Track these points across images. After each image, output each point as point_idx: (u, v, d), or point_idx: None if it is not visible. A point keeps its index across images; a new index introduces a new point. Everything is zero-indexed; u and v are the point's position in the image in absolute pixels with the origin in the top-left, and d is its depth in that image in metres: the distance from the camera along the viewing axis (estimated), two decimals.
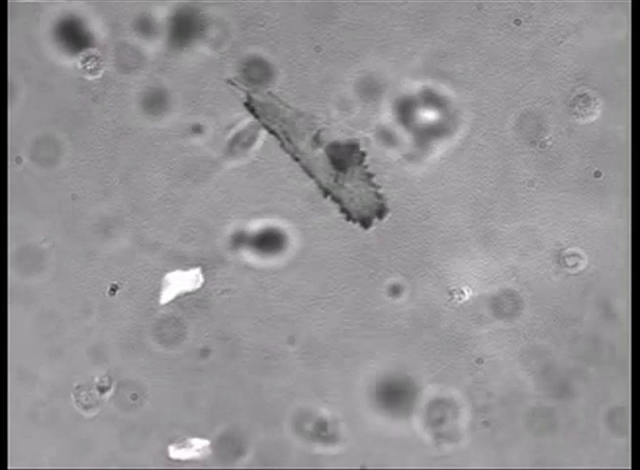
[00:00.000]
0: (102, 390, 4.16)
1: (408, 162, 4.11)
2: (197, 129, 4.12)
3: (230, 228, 4.14)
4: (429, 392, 4.12)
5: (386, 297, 4.14)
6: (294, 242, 4.13)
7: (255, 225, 4.14)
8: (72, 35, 4.13)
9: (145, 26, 4.10)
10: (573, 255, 4.09)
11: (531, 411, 4.14)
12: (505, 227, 4.12)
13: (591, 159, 4.09)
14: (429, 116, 4.07)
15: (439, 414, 4.14)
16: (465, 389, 4.15)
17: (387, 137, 4.08)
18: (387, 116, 4.08)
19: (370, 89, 4.07)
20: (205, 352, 4.18)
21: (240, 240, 4.13)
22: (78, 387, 4.17)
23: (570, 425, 4.13)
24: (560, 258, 4.09)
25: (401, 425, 4.17)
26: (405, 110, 4.08)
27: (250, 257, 4.14)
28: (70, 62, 4.13)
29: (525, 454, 4.16)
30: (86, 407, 4.17)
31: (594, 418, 4.12)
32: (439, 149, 4.08)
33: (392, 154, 4.09)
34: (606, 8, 4.05)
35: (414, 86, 4.07)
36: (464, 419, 4.13)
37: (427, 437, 4.16)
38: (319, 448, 4.18)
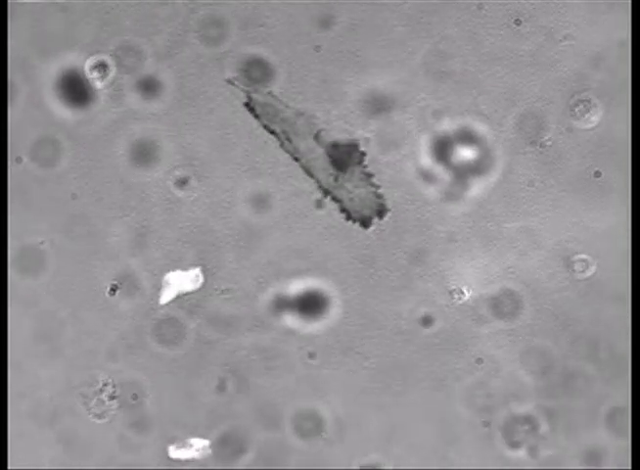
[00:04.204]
0: (111, 397, 4.16)
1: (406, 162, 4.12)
2: (196, 128, 4.13)
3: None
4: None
5: (419, 326, 4.16)
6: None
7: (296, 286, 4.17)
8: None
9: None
10: (582, 260, 4.08)
11: (531, 411, 4.14)
12: (505, 227, 4.12)
13: (591, 159, 4.09)
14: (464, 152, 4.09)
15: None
16: (465, 389, 4.15)
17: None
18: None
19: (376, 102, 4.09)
20: (204, 353, 4.17)
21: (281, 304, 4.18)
22: (87, 396, 4.16)
23: (570, 425, 4.13)
24: (568, 264, 4.08)
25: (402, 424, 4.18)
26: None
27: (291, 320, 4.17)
28: (74, 63, 4.13)
29: (524, 454, 4.16)
30: (99, 416, 4.16)
31: (594, 418, 4.12)
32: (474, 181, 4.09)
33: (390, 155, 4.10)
34: (606, 8, 4.05)
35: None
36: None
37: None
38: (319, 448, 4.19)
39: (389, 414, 4.18)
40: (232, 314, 4.16)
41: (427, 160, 4.07)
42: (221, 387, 4.15)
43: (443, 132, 4.06)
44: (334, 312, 4.15)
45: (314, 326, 4.16)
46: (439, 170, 4.06)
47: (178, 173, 4.10)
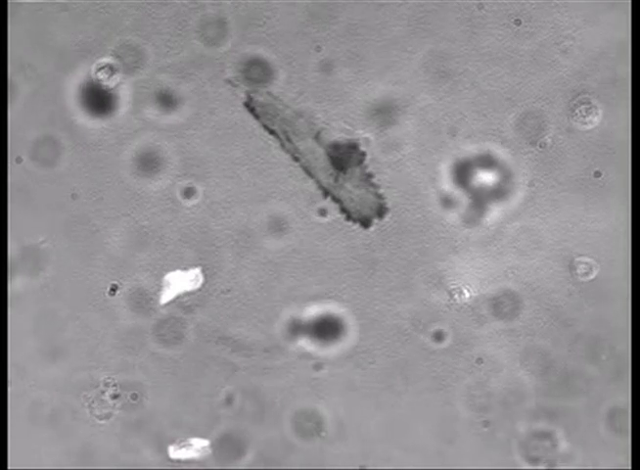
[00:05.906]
0: (114, 396, 4.16)
1: (407, 162, 4.12)
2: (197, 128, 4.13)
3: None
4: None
5: (430, 342, 4.16)
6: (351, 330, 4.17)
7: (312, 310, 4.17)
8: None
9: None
10: (585, 263, 4.08)
11: (531, 411, 4.14)
12: (505, 227, 4.12)
13: (591, 159, 4.09)
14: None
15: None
16: (465, 389, 4.15)
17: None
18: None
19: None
20: (204, 353, 4.18)
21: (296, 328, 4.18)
22: (89, 398, 4.16)
23: (570, 425, 4.13)
24: (570, 265, 4.08)
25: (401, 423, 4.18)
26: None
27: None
28: (74, 63, 4.14)
29: (524, 454, 4.16)
30: (102, 417, 4.16)
31: (594, 418, 4.12)
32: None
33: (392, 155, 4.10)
34: (606, 8, 4.05)
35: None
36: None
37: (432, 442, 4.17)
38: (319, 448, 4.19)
39: (389, 414, 4.18)
40: (231, 315, 4.17)
41: (446, 183, 4.08)
42: (229, 400, 4.16)
43: (463, 155, 4.07)
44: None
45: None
46: (459, 194, 4.07)
47: (183, 183, 4.12)
